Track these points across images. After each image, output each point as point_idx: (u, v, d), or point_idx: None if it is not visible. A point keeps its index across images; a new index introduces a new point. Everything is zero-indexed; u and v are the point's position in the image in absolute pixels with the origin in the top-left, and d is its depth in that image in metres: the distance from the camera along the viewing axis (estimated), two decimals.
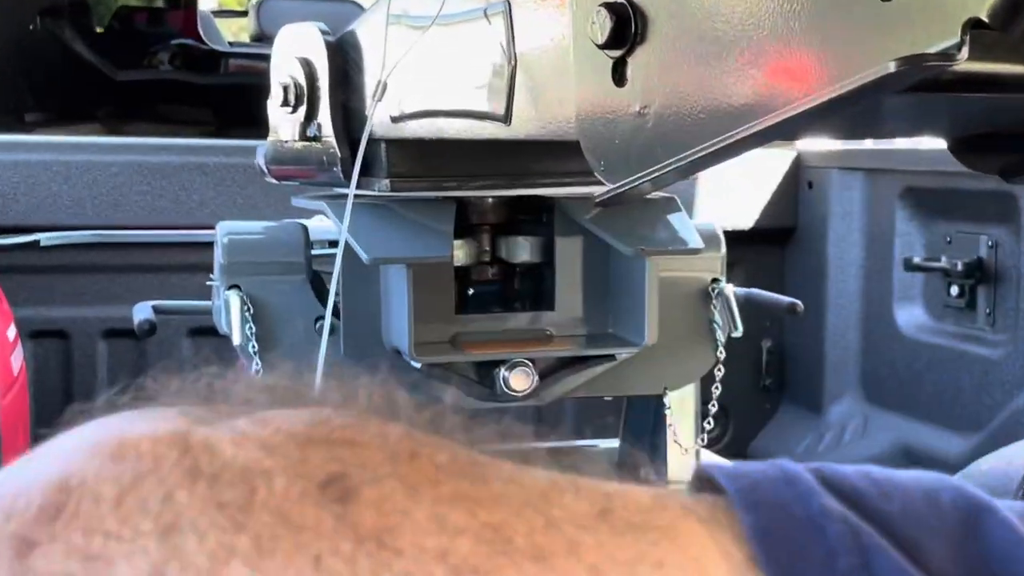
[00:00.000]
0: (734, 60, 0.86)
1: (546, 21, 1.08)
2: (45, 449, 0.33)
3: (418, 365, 1.42)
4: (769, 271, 3.31)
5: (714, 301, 1.62)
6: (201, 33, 3.10)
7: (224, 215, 2.55)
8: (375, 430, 0.34)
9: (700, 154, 0.88)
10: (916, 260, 2.74)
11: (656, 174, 0.92)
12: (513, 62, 1.12)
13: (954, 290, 2.69)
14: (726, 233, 3.27)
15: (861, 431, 3.01)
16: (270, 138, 1.52)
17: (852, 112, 0.94)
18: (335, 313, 1.46)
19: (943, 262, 2.69)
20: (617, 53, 0.98)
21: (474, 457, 0.34)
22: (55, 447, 0.33)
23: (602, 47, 0.97)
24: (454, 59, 1.21)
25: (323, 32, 1.39)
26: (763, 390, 3.31)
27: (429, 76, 1.26)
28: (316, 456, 0.32)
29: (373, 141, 1.39)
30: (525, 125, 1.12)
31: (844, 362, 3.09)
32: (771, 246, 3.30)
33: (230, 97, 3.68)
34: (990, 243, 2.58)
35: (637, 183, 0.94)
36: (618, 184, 0.97)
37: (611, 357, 1.50)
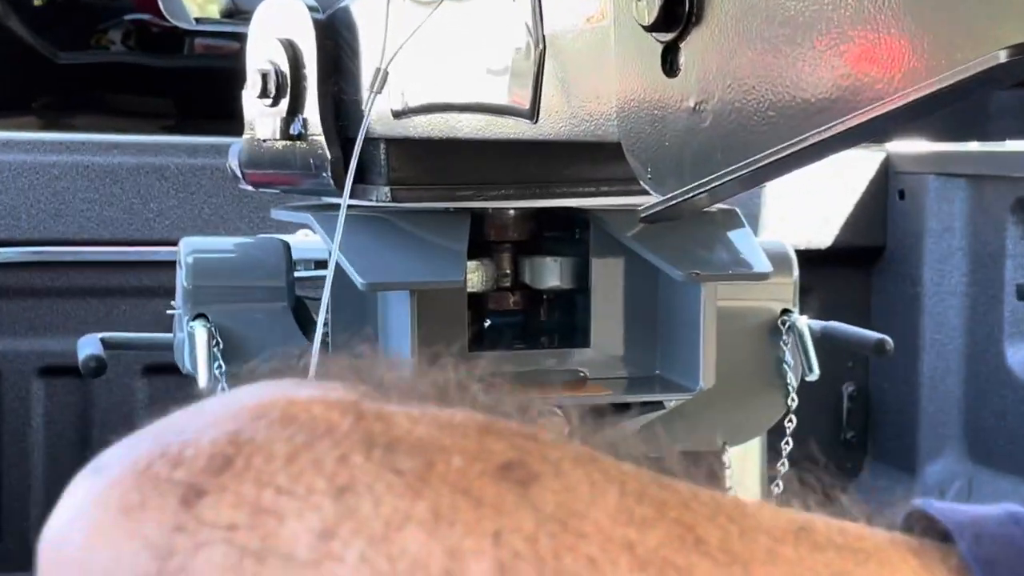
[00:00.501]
0: (811, 46, 0.87)
1: None
2: (208, 406, 0.38)
3: None
4: (852, 300, 3.31)
5: (784, 337, 1.63)
6: (160, 6, 3.13)
7: (188, 229, 2.58)
8: (553, 434, 0.39)
9: (768, 160, 0.88)
10: None
11: (715, 184, 0.92)
12: (541, 45, 1.13)
13: None
14: (799, 253, 3.27)
15: (965, 496, 3.00)
16: (245, 136, 1.54)
17: (953, 110, 0.94)
18: (323, 348, 1.47)
19: None
20: (668, 36, 0.99)
21: (654, 472, 0.39)
22: (218, 405, 0.38)
23: (649, 29, 0.98)
24: (469, 42, 1.23)
25: (310, 8, 1.41)
26: (844, 445, 3.31)
27: (439, 63, 1.27)
28: (495, 443, 0.36)
29: (371, 141, 1.40)
30: (555, 123, 1.13)
31: (943, 412, 3.08)
32: (855, 269, 3.30)
33: (196, 85, 3.71)
34: None
35: (692, 195, 0.95)
36: (668, 195, 0.98)
37: (659, 405, 1.51)
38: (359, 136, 1.21)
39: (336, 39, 1.40)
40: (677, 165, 0.99)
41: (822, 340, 1.81)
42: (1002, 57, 0.72)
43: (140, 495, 0.35)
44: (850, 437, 3.30)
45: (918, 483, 3.13)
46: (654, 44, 1.00)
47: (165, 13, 3.19)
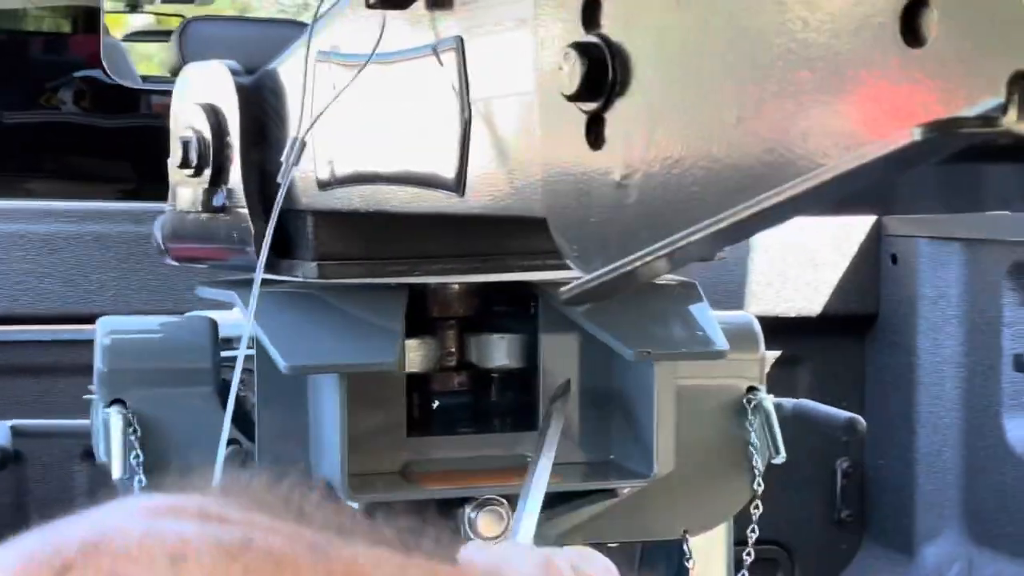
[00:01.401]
0: (735, 119, 0.86)
1: (509, 62, 1.09)
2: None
3: (356, 505, 1.40)
4: (845, 370, 3.29)
5: (750, 417, 1.61)
6: (104, 64, 3.12)
7: (133, 302, 2.56)
8: None
9: (695, 237, 0.87)
10: None
11: (639, 263, 0.91)
12: (467, 114, 1.12)
13: None
14: (789, 321, 3.29)
15: None
16: (168, 206, 1.53)
17: (935, 177, 0.94)
18: (247, 435, 1.45)
19: None
20: (592, 106, 0.98)
21: None
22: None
23: (572, 98, 0.97)
24: (395, 110, 1.22)
25: (234, 71, 1.40)
26: (839, 525, 3.28)
27: (366, 131, 1.26)
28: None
29: (297, 213, 1.39)
30: (483, 196, 1.12)
31: (941, 490, 3.05)
32: (846, 338, 3.28)
33: (154, 145, 3.71)
34: None
35: (614, 273, 0.94)
36: (592, 275, 0.96)
37: (612, 493, 1.49)
38: (275, 208, 1.20)
39: (261, 104, 1.40)
40: (603, 242, 0.98)
41: (793, 420, 1.80)
42: (916, 135, 0.71)
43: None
44: (845, 516, 3.27)
45: (916, 565, 3.10)
46: (578, 115, 0.99)
47: (108, 71, 3.19)
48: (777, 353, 3.16)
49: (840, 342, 3.27)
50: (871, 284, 3.22)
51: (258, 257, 1.41)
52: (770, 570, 3.25)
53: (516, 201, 1.09)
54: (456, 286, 1.53)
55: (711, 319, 1.47)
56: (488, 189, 1.12)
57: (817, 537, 3.28)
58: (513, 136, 1.09)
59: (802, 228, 3.21)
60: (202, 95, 1.45)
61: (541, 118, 1.03)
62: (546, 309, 1.50)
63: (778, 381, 3.30)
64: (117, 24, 6.15)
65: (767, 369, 1.77)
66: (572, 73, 0.96)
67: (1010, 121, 0.70)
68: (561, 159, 1.01)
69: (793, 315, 3.20)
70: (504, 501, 1.45)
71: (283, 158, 1.19)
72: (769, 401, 1.61)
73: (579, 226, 1.00)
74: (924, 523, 3.10)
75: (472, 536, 1.45)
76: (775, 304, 3.19)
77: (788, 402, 1.74)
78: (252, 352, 1.43)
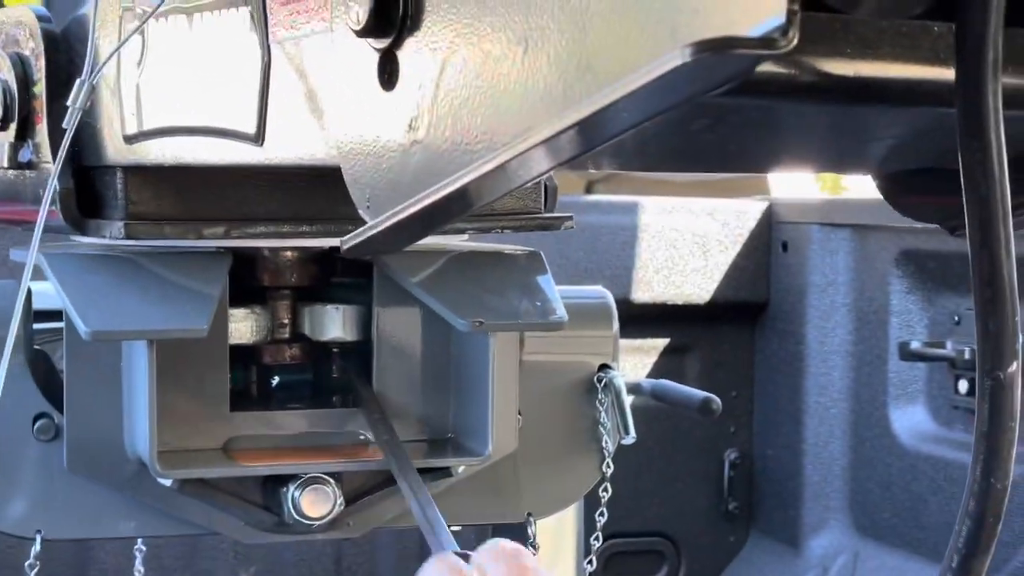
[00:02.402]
0: (522, 52, 0.80)
1: (311, 1, 1.01)
2: None
3: (168, 483, 1.32)
4: (734, 358, 3.26)
5: (600, 395, 1.54)
6: None
7: None
8: None
9: (473, 176, 0.80)
10: (915, 346, 2.69)
11: (417, 207, 0.84)
12: (267, 57, 1.05)
13: (963, 385, 2.64)
14: (678, 308, 3.24)
15: (850, 572, 2.94)
16: None
17: (698, 135, 0.87)
18: (60, 409, 1.37)
19: (949, 349, 2.65)
20: (383, 43, 0.91)
21: None
22: None
23: (361, 34, 0.90)
24: (198, 57, 1.14)
25: (41, 18, 1.32)
26: (726, 516, 3.24)
27: (170, 81, 1.18)
28: None
29: (106, 170, 1.30)
30: (283, 147, 1.05)
31: (828, 480, 3.02)
32: (736, 326, 3.25)
33: None
34: None
35: (393, 220, 0.87)
36: (372, 223, 0.89)
37: (446, 472, 1.42)
38: (58, 158, 1.11)
39: (70, 54, 1.31)
40: (394, 190, 0.91)
41: (653, 399, 1.74)
42: (685, 56, 0.64)
43: None
44: (733, 508, 3.24)
45: (802, 558, 3.06)
46: (372, 53, 0.92)
47: None
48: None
49: (730, 330, 3.24)
50: (761, 271, 3.19)
51: (71, 218, 1.33)
52: (656, 562, 3.20)
53: (314, 151, 1.02)
54: (289, 253, 1.45)
55: (553, 290, 1.40)
56: (288, 138, 1.05)
57: (704, 529, 3.24)
58: (313, 80, 1.01)
59: (693, 213, 3.17)
60: (10, 44, 1.36)
61: (335, 58, 0.96)
62: (381, 279, 1.42)
63: (667, 368, 3.26)
64: None
65: (621, 350, 1.70)
66: (361, 6, 0.89)
67: (788, 44, 0.64)
68: (355, 103, 0.94)
69: (682, 302, 3.16)
70: (331, 480, 1.37)
71: (69, 102, 1.11)
72: (621, 379, 1.54)
73: (372, 174, 0.93)
74: (811, 515, 3.06)
75: (297, 516, 1.37)
76: (664, 291, 3.14)
77: (647, 382, 1.67)
78: (59, 325, 1.35)
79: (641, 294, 3.13)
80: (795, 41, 0.64)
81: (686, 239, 3.16)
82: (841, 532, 2.99)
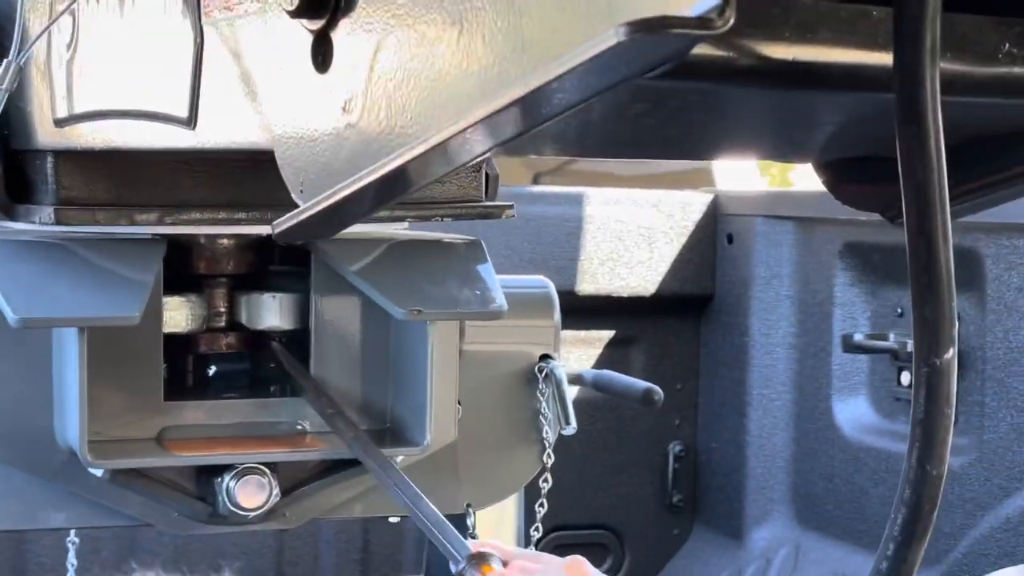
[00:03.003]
0: (457, 34, 0.78)
1: None
2: None
3: (100, 473, 1.30)
4: (679, 351, 3.25)
5: (541, 386, 1.54)
6: None
7: None
8: None
9: (402, 160, 0.79)
10: (858, 338, 2.70)
11: (347, 191, 0.83)
12: (199, 40, 1.03)
13: (905, 377, 2.65)
14: (623, 301, 3.23)
15: (792, 564, 2.95)
16: None
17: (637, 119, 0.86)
18: None
19: (891, 341, 2.66)
20: (317, 24, 0.89)
21: None
22: None
23: (294, 15, 0.89)
24: (130, 38, 1.12)
25: None
26: (670, 509, 3.24)
27: (101, 63, 1.16)
28: None
29: (36, 154, 1.28)
30: (214, 131, 1.03)
31: (770, 472, 3.03)
32: (682, 318, 3.24)
33: None
34: None
35: (323, 204, 0.85)
36: (303, 207, 0.88)
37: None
38: None
39: (0, 34, 1.29)
40: (327, 173, 0.89)
41: (595, 390, 1.74)
42: (619, 36, 0.63)
43: None
44: (677, 501, 3.24)
45: (744, 550, 3.07)
46: (305, 35, 0.90)
47: None
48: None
49: (675, 322, 3.23)
50: (707, 263, 3.19)
51: None
52: (600, 554, 3.20)
53: (250, 135, 1.00)
54: (226, 240, 1.44)
55: (493, 279, 1.39)
56: (221, 122, 1.03)
57: (648, 522, 3.23)
58: (246, 63, 1.00)
59: (639, 205, 3.16)
60: None
61: (268, 39, 0.94)
62: (319, 267, 1.41)
63: (612, 360, 3.26)
64: None
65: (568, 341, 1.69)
66: None
67: (723, 24, 0.63)
68: (288, 85, 0.93)
69: (627, 294, 3.15)
70: (266, 470, 1.36)
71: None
72: (561, 369, 1.53)
73: (306, 158, 0.91)
74: (754, 507, 3.07)
75: (232, 507, 1.35)
76: (610, 282, 3.14)
77: (588, 372, 1.67)
78: None
79: (586, 286, 3.12)
80: (731, 21, 0.63)
81: (631, 231, 3.15)
82: (784, 524, 3.00)
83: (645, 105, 0.83)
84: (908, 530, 0.79)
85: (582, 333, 3.14)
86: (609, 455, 3.18)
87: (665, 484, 3.25)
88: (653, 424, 3.23)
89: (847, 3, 0.77)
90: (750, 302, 3.09)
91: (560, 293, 3.15)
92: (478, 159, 0.86)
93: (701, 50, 0.72)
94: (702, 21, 0.63)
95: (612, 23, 0.65)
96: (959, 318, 2.59)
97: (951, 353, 0.76)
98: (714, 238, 3.20)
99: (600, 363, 3.14)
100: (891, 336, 2.68)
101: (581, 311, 3.10)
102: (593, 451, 3.15)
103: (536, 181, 3.99)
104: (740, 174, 4.13)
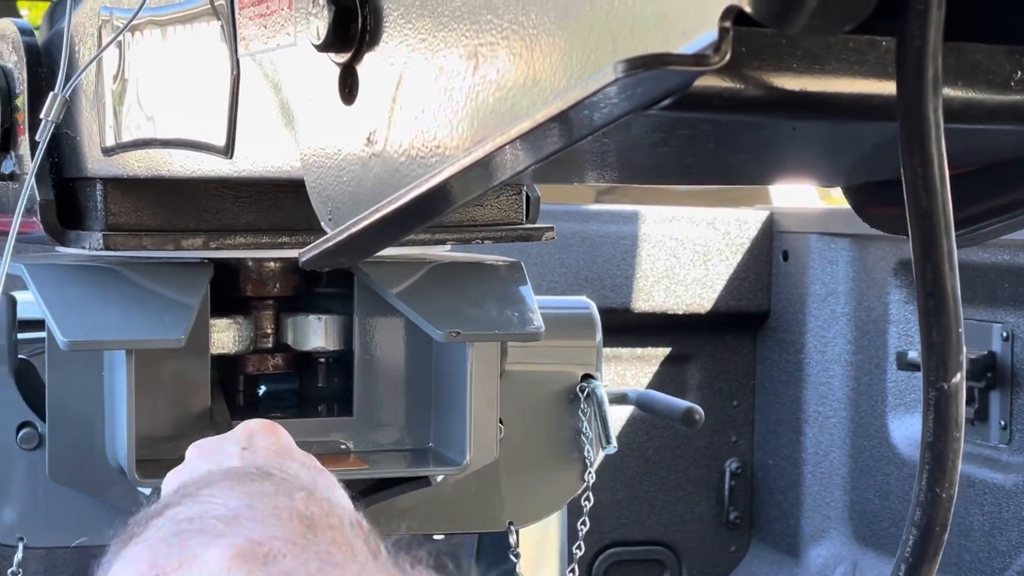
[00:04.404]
0: (473, 66, 0.81)
1: (277, 15, 1.02)
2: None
3: (147, 491, 1.33)
4: (735, 368, 3.26)
5: (583, 405, 1.55)
6: None
7: None
8: None
9: (422, 189, 0.81)
10: (913, 355, 2.69)
11: (369, 220, 0.85)
12: (236, 71, 1.06)
13: None
14: (679, 318, 3.24)
15: None
16: None
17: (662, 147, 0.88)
18: (41, 417, 1.38)
19: None
20: (343, 58, 0.92)
21: None
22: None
23: (322, 48, 0.91)
24: (172, 69, 1.15)
25: (23, 31, 1.33)
26: (727, 526, 3.24)
27: (146, 93, 1.20)
28: None
29: (86, 181, 1.32)
30: (250, 160, 1.06)
31: (827, 489, 3.02)
32: (737, 335, 3.25)
33: None
34: (1004, 334, 2.54)
35: (348, 232, 0.88)
36: (330, 235, 0.90)
37: (425, 481, 1.43)
38: (31, 168, 1.13)
39: (51, 67, 1.33)
40: (354, 203, 0.92)
41: (638, 408, 1.75)
42: (617, 72, 0.65)
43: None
44: (733, 517, 3.24)
45: (802, 567, 3.06)
46: (332, 67, 0.93)
47: None
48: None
49: (731, 339, 3.24)
50: (762, 281, 3.19)
51: (51, 229, 1.34)
52: (657, 571, 3.20)
53: (281, 164, 1.03)
54: (272, 263, 1.47)
55: (532, 300, 1.41)
56: (257, 151, 1.06)
57: (705, 539, 3.24)
58: (280, 94, 1.03)
59: (694, 223, 3.17)
60: None
61: (299, 71, 0.97)
62: (361, 289, 1.44)
63: (668, 378, 3.27)
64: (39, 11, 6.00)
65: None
66: (321, 20, 0.91)
67: (718, 61, 0.65)
68: (317, 115, 0.95)
69: (683, 312, 3.16)
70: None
71: (42, 115, 1.13)
72: (603, 389, 1.55)
73: (333, 187, 0.94)
74: (811, 524, 3.06)
75: None
76: (665, 300, 3.15)
77: (632, 392, 1.68)
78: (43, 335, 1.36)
79: (642, 303, 3.14)
80: (727, 57, 0.65)
81: (687, 248, 3.16)
82: (841, 542, 2.99)
83: (659, 135, 0.84)
84: (919, 552, 0.80)
85: (638, 351, 3.16)
86: (665, 472, 3.19)
87: (722, 501, 3.25)
88: (709, 441, 3.23)
89: (854, 34, 0.79)
90: (806, 319, 3.08)
91: (615, 311, 3.17)
92: (493, 189, 0.88)
93: (707, 81, 0.74)
94: (698, 58, 0.65)
95: (614, 59, 0.67)
96: (1011, 335, 2.57)
97: (959, 377, 0.77)
98: (769, 255, 3.20)
99: (656, 381, 3.15)
100: None
101: (637, 329, 3.11)
102: (650, 468, 3.15)
103: (598, 200, 4.01)
104: (798, 191, 4.13)
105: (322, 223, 0.95)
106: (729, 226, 3.19)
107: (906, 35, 0.73)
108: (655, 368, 3.19)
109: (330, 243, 0.90)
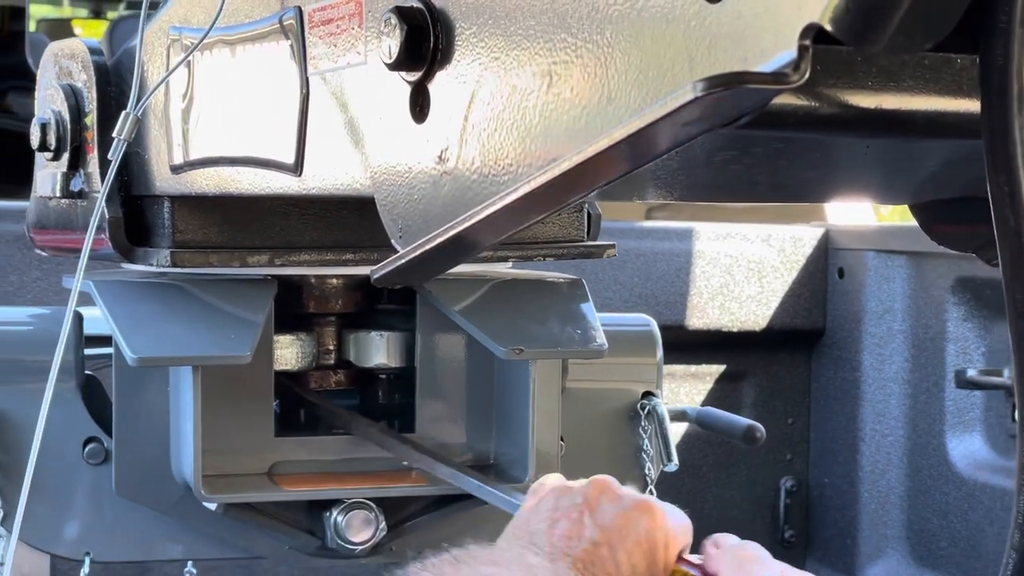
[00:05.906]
0: (547, 84, 0.81)
1: (347, 34, 1.03)
2: None
3: (213, 506, 1.34)
4: (790, 385, 3.24)
5: (643, 423, 1.55)
6: (29, 62, 3.05)
7: (55, 304, 2.48)
8: None
9: (486, 213, 0.81)
10: (971, 374, 2.67)
11: (440, 238, 0.86)
12: (305, 90, 1.07)
13: None
14: (734, 335, 3.22)
15: None
16: (33, 194, 1.47)
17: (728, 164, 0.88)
18: (110, 433, 1.40)
19: (1006, 377, 2.62)
20: (414, 76, 0.92)
21: None
22: None
23: (393, 67, 0.92)
24: (240, 88, 1.16)
25: (93, 50, 1.35)
26: (784, 545, 3.22)
27: (214, 112, 1.21)
28: None
29: (155, 199, 1.33)
30: (319, 177, 1.07)
31: (884, 509, 3.00)
32: (792, 353, 3.23)
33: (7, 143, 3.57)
34: None
35: (420, 251, 0.88)
36: (401, 252, 0.91)
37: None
38: (104, 187, 1.14)
39: (120, 84, 1.34)
40: (425, 220, 0.92)
41: (698, 426, 1.75)
42: (696, 91, 0.65)
43: None
44: (789, 536, 3.21)
45: None
46: (404, 85, 0.93)
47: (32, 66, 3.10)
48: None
49: (786, 357, 3.22)
50: (818, 298, 3.17)
51: (120, 246, 1.35)
52: None
53: (350, 181, 1.04)
54: (335, 280, 1.48)
55: (594, 318, 1.41)
56: (325, 169, 1.07)
57: None
58: (349, 112, 1.03)
59: (748, 240, 3.16)
60: (64, 76, 1.39)
61: (369, 90, 0.97)
62: (423, 306, 1.44)
63: (723, 395, 3.25)
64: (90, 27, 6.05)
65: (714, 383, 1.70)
66: (393, 39, 0.91)
67: (798, 79, 0.65)
68: (388, 134, 0.96)
69: (738, 329, 3.15)
70: (373, 505, 1.39)
71: (114, 134, 1.14)
72: (663, 406, 1.55)
73: (404, 204, 0.95)
74: (867, 544, 3.04)
75: (340, 541, 1.39)
76: (720, 317, 3.13)
77: (692, 409, 1.68)
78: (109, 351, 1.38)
79: (696, 320, 3.12)
80: (806, 76, 0.65)
81: (742, 265, 3.15)
82: (898, 561, 2.96)
83: (732, 152, 0.84)
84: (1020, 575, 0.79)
85: (692, 368, 3.14)
86: (720, 489, 3.17)
87: (777, 519, 3.23)
88: (764, 459, 3.21)
89: (930, 51, 0.78)
90: (862, 337, 3.06)
91: (670, 328, 3.15)
92: (565, 207, 0.88)
93: (783, 99, 0.74)
94: (777, 76, 0.65)
95: (692, 78, 0.68)
96: None
97: None
98: (825, 272, 3.18)
99: (710, 398, 3.14)
100: (1005, 372, 2.64)
101: (691, 346, 3.10)
102: (704, 486, 3.14)
103: (649, 216, 4.01)
104: (853, 208, 4.10)
105: (392, 240, 0.96)
106: (784, 243, 3.17)
107: (989, 54, 0.73)
108: (709, 385, 3.17)
109: (403, 260, 0.90)
